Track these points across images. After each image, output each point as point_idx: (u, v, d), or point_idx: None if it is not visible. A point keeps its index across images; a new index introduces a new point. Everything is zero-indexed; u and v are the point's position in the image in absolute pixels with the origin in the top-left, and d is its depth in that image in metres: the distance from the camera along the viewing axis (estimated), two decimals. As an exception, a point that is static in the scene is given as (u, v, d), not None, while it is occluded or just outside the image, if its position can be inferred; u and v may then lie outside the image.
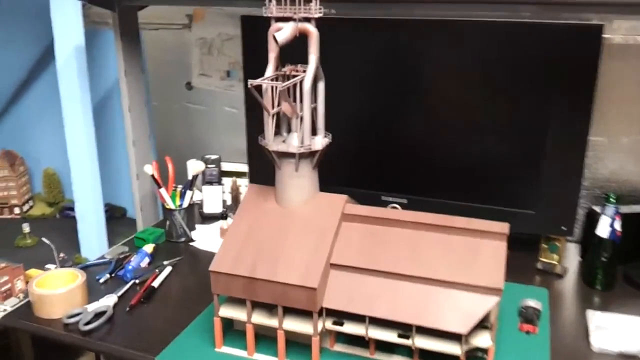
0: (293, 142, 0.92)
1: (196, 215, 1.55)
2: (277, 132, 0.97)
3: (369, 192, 1.30)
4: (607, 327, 0.98)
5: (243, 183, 1.58)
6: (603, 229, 1.12)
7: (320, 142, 0.93)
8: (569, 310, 1.08)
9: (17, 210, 1.90)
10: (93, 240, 1.53)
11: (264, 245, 0.91)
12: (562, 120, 1.12)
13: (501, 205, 1.21)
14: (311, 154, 0.92)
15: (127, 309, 1.07)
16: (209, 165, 1.54)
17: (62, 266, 1.43)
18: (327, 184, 1.21)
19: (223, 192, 1.59)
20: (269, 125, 0.91)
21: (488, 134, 1.20)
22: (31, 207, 1.95)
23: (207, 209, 1.53)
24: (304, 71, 0.89)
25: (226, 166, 1.58)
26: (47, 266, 1.49)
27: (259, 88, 0.86)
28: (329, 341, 0.95)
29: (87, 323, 1.01)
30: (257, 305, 0.92)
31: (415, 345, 0.85)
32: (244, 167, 1.55)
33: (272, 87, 0.88)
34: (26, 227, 1.68)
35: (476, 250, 0.87)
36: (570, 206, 1.17)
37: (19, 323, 1.04)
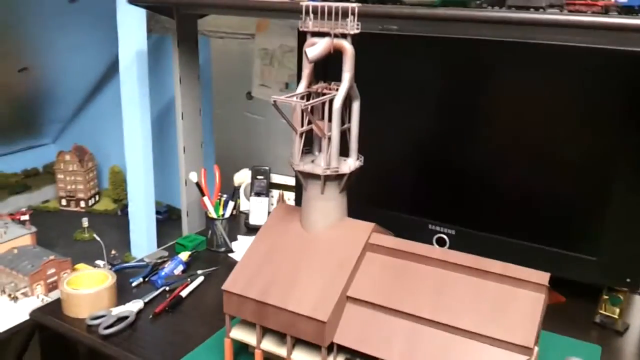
0: (321, 163, 0.87)
1: (241, 226, 1.53)
2: (309, 151, 0.93)
3: (416, 219, 1.22)
4: (665, 403, 0.84)
5: (291, 196, 1.55)
6: (673, 288, 0.98)
7: (350, 164, 0.88)
8: (623, 375, 0.95)
9: (82, 204, 1.98)
10: (143, 240, 1.56)
11: (280, 269, 0.87)
12: (634, 159, 0.99)
13: (559, 247, 1.09)
14: (338, 177, 0.87)
15: (150, 316, 1.07)
16: (258, 177, 1.52)
17: (110, 263, 1.46)
18: (371, 205, 1.15)
19: (271, 205, 1.57)
20: (297, 143, 0.87)
21: (552, 168, 1.09)
22: (96, 202, 2.03)
23: (252, 220, 1.51)
24: (337, 89, 0.85)
25: (276, 178, 1.56)
26: (97, 262, 1.53)
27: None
28: (342, 378, 0.89)
29: (108, 327, 1.01)
30: (269, 330, 0.87)
31: (429, 397, 0.78)
32: (292, 181, 1.52)
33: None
34: (85, 222, 1.75)
35: (510, 300, 0.78)
36: (638, 255, 1.04)
37: (46, 319, 1.06)
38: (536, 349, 0.83)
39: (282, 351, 0.85)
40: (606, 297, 1.11)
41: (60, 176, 1.95)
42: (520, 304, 0.77)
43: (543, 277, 0.78)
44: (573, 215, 1.08)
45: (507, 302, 0.78)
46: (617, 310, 1.10)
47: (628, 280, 1.04)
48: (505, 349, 0.75)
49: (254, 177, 1.52)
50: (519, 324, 0.76)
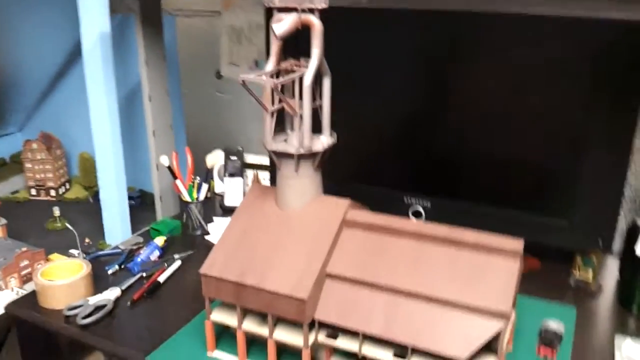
0: (294, 142, 0.86)
1: (217, 207, 1.52)
2: (282, 130, 0.92)
3: (391, 192, 1.22)
4: (637, 358, 0.87)
5: (266, 176, 1.54)
6: (642, 247, 1.01)
7: (323, 142, 0.87)
8: (596, 334, 0.98)
9: (53, 192, 1.94)
10: (117, 227, 1.54)
11: (257, 250, 0.86)
12: (604, 123, 1.00)
13: (533, 213, 1.11)
14: (312, 155, 0.86)
15: (129, 303, 1.06)
16: (231, 157, 1.51)
17: (84, 252, 1.44)
18: (346, 180, 1.15)
19: (246, 185, 1.56)
20: (268, 123, 0.86)
21: (523, 135, 1.10)
22: (67, 190, 1.99)
23: (227, 202, 1.50)
24: (307, 66, 0.83)
25: (250, 158, 1.55)
26: (71, 251, 1.51)
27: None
28: (325, 353, 0.90)
29: (86, 316, 1.00)
30: (250, 310, 0.87)
31: (411, 367, 0.79)
32: (267, 160, 1.51)
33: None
34: (56, 211, 1.71)
35: (485, 268, 0.79)
36: (609, 218, 1.06)
37: (23, 312, 1.05)
38: (513, 313, 0.85)
39: (263, 331, 0.85)
40: (579, 259, 1.14)
41: (28, 165, 1.90)
42: (495, 272, 0.78)
43: (517, 244, 0.79)
44: (545, 181, 1.10)
45: (482, 270, 0.79)
46: (591, 272, 1.12)
47: (600, 242, 1.07)
48: (483, 315, 0.76)
49: (227, 158, 1.51)
50: (495, 290, 0.77)
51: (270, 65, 0.85)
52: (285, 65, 0.86)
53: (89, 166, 1.95)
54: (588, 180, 1.05)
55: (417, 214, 1.20)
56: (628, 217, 1.22)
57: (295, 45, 0.87)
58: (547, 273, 1.16)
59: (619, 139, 1.00)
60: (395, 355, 0.80)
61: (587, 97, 1.01)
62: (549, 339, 0.92)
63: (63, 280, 1.04)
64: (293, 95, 0.85)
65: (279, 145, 0.86)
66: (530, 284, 1.06)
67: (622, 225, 1.22)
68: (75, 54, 1.99)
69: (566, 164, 1.06)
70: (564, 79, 1.03)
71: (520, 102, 1.08)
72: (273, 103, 0.85)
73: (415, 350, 0.78)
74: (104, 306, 1.03)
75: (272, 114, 0.85)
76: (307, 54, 0.84)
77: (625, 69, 0.96)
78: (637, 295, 1.03)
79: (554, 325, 0.94)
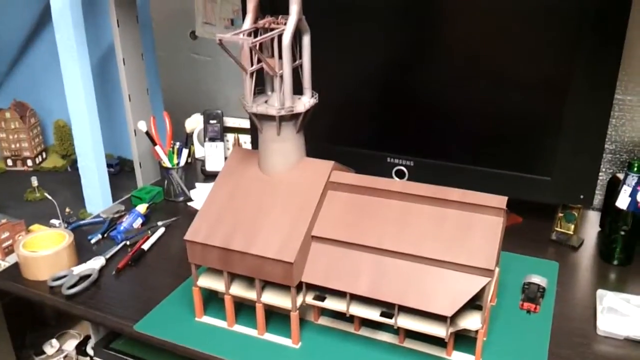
0: (275, 104, 0.84)
1: (198, 173, 1.50)
2: (262, 91, 0.89)
3: (374, 153, 1.21)
4: (617, 309, 0.89)
5: (247, 139, 1.52)
6: (623, 200, 1.02)
7: (304, 103, 0.86)
8: (578, 287, 1.00)
9: (29, 162, 1.89)
10: (97, 195, 1.51)
11: (242, 215, 0.85)
12: (585, 74, 1.00)
13: (515, 170, 1.11)
14: (294, 117, 0.85)
15: (114, 272, 1.05)
16: (211, 121, 1.48)
17: (66, 222, 1.42)
18: (328, 142, 1.14)
19: (228, 149, 1.54)
20: (247, 84, 0.83)
21: (504, 91, 1.09)
22: (44, 159, 1.95)
23: (209, 167, 1.48)
24: (286, 24, 0.81)
25: (229, 121, 1.52)
26: (52, 221, 1.48)
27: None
28: (313, 315, 0.90)
29: (71, 287, 0.99)
30: (237, 275, 0.87)
31: (397, 325, 0.80)
32: (247, 123, 1.48)
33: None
34: (34, 181, 1.67)
35: (470, 226, 0.79)
36: (590, 172, 1.07)
37: (6, 284, 1.03)
38: (497, 270, 0.86)
39: (251, 295, 0.85)
40: (561, 214, 1.15)
41: (2, 135, 1.85)
42: (479, 229, 0.79)
43: (501, 201, 0.80)
44: (527, 138, 1.10)
45: (467, 227, 0.79)
46: (572, 227, 1.14)
47: (581, 197, 1.08)
48: (468, 272, 0.77)
49: (206, 122, 1.48)
50: (479, 247, 0.77)
51: (247, 24, 0.82)
52: (262, 23, 0.83)
53: (64, 134, 1.90)
54: (569, 134, 1.05)
55: (400, 174, 1.20)
56: (608, 171, 1.23)
57: (272, 1, 0.84)
58: (530, 229, 1.17)
59: (599, 92, 1.00)
60: (383, 314, 0.81)
61: (569, 49, 1.00)
62: (531, 294, 0.94)
63: (46, 251, 1.02)
64: (272, 55, 0.83)
65: (260, 107, 0.84)
66: (513, 240, 1.07)
67: (602, 179, 1.23)
68: (43, 18, 1.91)
69: (547, 119, 1.06)
70: (546, 31, 1.01)
71: (500, 54, 1.07)
72: (252, 63, 0.83)
73: (402, 309, 0.79)
74: (88, 276, 1.02)
75: (252, 74, 0.83)
76: (283, 12, 0.82)
77: (607, 20, 0.95)
78: (616, 249, 1.05)
79: (537, 280, 0.96)
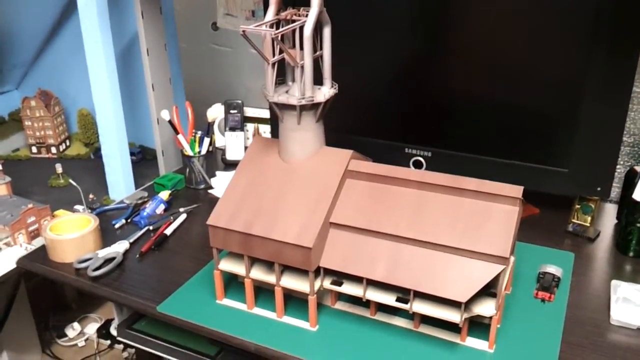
0: (295, 93, 0.86)
1: (218, 162, 1.53)
2: (283, 82, 0.91)
3: (392, 143, 1.23)
4: (632, 299, 0.90)
5: (266, 129, 1.54)
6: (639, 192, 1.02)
7: (324, 93, 0.88)
8: (593, 278, 1.01)
9: (53, 150, 1.94)
10: (120, 182, 1.55)
11: (263, 201, 0.88)
12: (603, 68, 1.00)
13: (533, 162, 1.12)
14: (314, 106, 0.87)
15: (137, 256, 1.08)
16: (231, 111, 1.51)
17: (90, 207, 1.46)
18: (347, 132, 1.15)
19: (247, 139, 1.56)
20: (269, 74, 0.85)
21: (523, 83, 1.09)
22: (68, 147, 1.99)
23: (229, 156, 1.51)
24: (307, 15, 0.83)
25: (249, 111, 1.55)
26: (76, 207, 1.52)
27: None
28: (330, 299, 0.93)
29: (97, 269, 1.02)
30: (257, 259, 0.90)
31: (413, 310, 0.82)
32: (266, 113, 1.51)
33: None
34: (59, 167, 1.72)
35: (485, 214, 0.81)
36: (607, 165, 1.07)
37: (34, 266, 1.07)
38: (512, 258, 0.87)
39: (271, 278, 0.88)
40: (578, 206, 1.16)
41: (27, 123, 1.90)
42: (495, 218, 0.80)
43: (517, 190, 0.81)
44: (545, 130, 1.10)
45: (483, 216, 0.81)
46: (589, 219, 1.15)
47: (599, 189, 1.08)
48: (483, 260, 0.78)
49: (227, 112, 1.51)
50: (495, 236, 0.79)
51: (269, 15, 0.84)
52: (284, 14, 0.85)
53: (88, 122, 1.95)
54: (587, 127, 1.05)
55: (417, 164, 1.21)
56: (626, 163, 1.23)
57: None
58: (546, 221, 1.18)
59: (617, 85, 1.00)
60: (398, 299, 0.83)
61: (587, 42, 1.00)
62: (546, 283, 0.95)
63: (72, 234, 1.06)
64: (293, 46, 0.85)
65: (281, 97, 0.86)
66: (530, 231, 1.08)
67: (620, 172, 1.23)
68: (70, 8, 1.95)
69: (565, 111, 1.06)
70: (564, 24, 1.02)
71: (519, 48, 1.07)
72: (274, 54, 0.85)
73: (417, 294, 0.81)
74: (113, 259, 1.05)
75: (273, 65, 0.85)
76: (304, 4, 0.83)
77: (625, 14, 0.96)
78: (632, 241, 1.06)
79: (552, 269, 0.97)
